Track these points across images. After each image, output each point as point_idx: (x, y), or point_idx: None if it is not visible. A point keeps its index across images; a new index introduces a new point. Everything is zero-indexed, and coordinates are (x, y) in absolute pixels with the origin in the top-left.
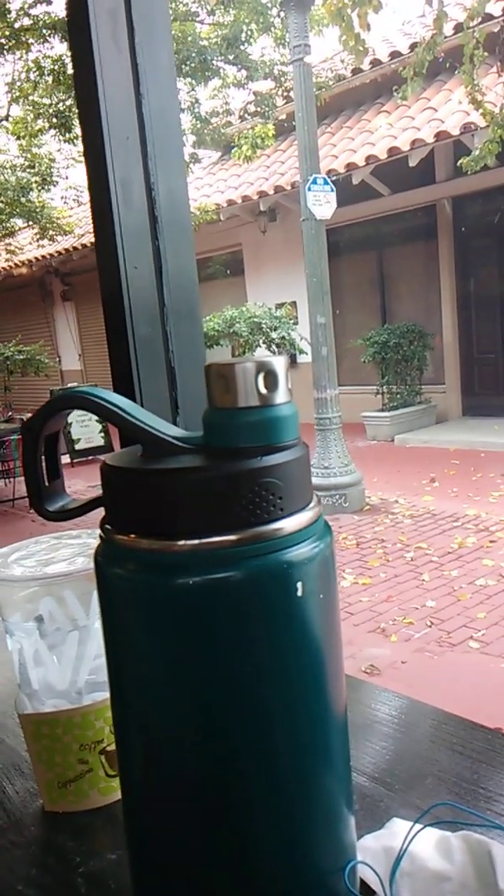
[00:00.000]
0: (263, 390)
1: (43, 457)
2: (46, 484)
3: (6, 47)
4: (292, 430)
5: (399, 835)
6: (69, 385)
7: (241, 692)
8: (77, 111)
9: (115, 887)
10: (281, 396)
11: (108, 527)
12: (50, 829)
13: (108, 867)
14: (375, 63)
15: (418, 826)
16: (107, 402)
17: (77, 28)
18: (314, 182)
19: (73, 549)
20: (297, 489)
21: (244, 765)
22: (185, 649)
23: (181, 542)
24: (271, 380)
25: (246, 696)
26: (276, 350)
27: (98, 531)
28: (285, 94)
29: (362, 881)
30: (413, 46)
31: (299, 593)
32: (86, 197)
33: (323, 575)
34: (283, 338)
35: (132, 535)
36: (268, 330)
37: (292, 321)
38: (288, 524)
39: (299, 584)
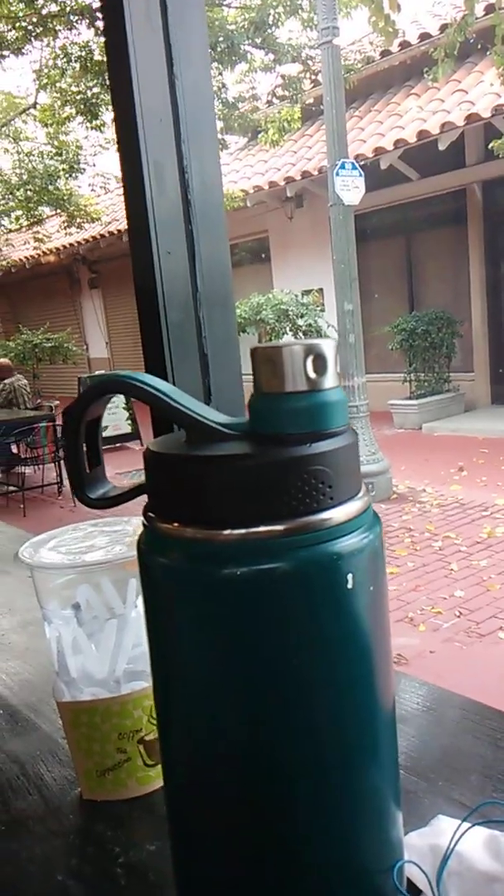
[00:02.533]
0: (312, 374)
1: (84, 444)
2: (88, 471)
3: (34, 34)
4: (341, 415)
5: (445, 833)
6: (97, 372)
7: (288, 685)
8: (110, 94)
9: (155, 879)
10: (330, 381)
11: (151, 514)
12: (88, 817)
13: (148, 858)
14: (405, 45)
15: (466, 824)
16: (151, 388)
17: (110, 9)
18: (342, 167)
19: (110, 536)
20: (347, 477)
21: (290, 759)
22: (231, 641)
23: (227, 532)
24: (320, 363)
25: (292, 689)
26: (302, 337)
27: (136, 519)
28: (313, 77)
29: (409, 880)
30: (443, 28)
31: (349, 585)
32: (113, 184)
33: (373, 567)
34: (309, 325)
35: (176, 524)
36: (294, 317)
37: (319, 308)
38: (337, 514)
39: (349, 576)
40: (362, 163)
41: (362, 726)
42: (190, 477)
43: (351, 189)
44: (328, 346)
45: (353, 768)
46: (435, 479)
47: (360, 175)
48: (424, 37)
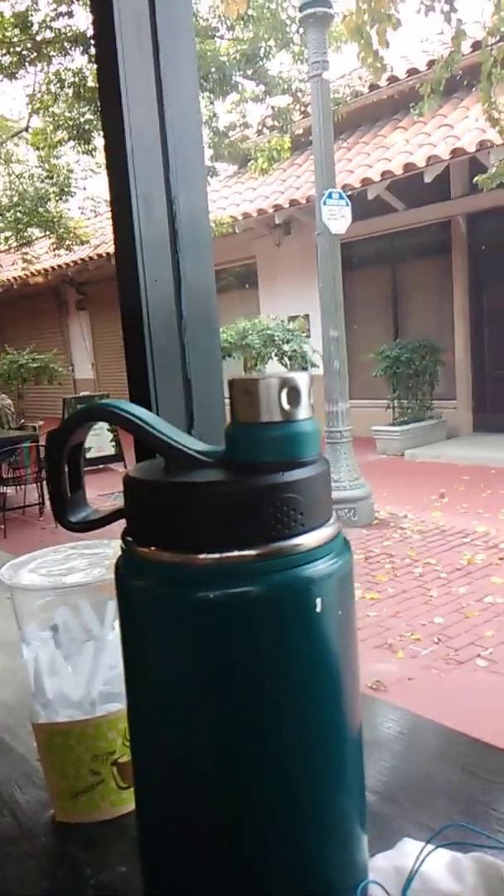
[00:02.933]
0: (286, 406)
1: (66, 468)
2: (69, 495)
3: (28, 59)
4: (314, 445)
5: (410, 855)
6: (82, 394)
7: (259, 707)
8: (101, 124)
9: None
10: (303, 412)
11: (129, 538)
12: (61, 839)
13: (119, 879)
14: (393, 80)
15: (430, 847)
16: (132, 416)
17: (103, 42)
18: (329, 196)
19: (90, 559)
20: (318, 505)
21: (260, 780)
22: (204, 662)
23: (202, 556)
24: (294, 395)
25: (263, 710)
26: (287, 363)
27: (115, 542)
28: (303, 109)
29: None
30: (431, 63)
31: (318, 609)
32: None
33: (342, 591)
34: (295, 351)
35: (153, 548)
36: (280, 342)
37: (305, 334)
38: (308, 540)
39: (318, 600)
40: (349, 193)
41: (330, 747)
42: (168, 503)
43: (338, 218)
44: (302, 380)
45: (320, 789)
46: (416, 506)
47: (347, 205)
48: (412, 72)
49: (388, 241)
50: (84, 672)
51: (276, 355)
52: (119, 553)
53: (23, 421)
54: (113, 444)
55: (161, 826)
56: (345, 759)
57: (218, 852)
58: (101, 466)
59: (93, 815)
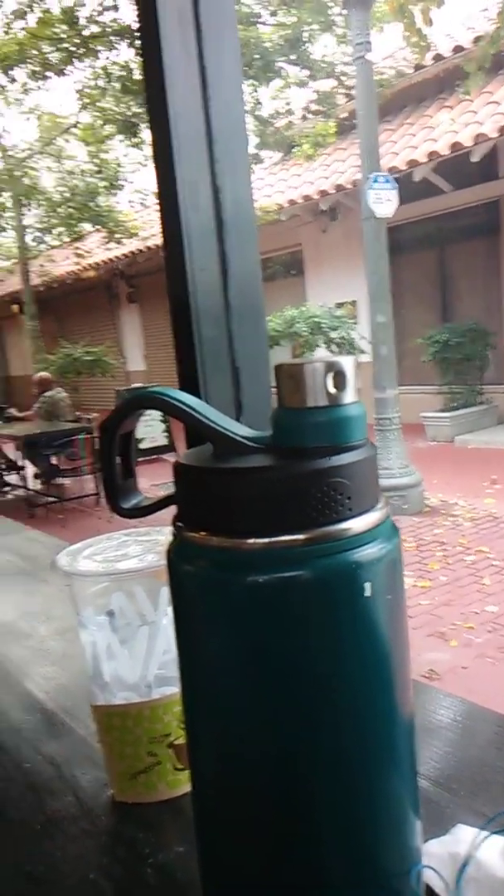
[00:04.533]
0: (332, 390)
1: (118, 456)
2: (121, 482)
3: (76, 55)
4: (360, 430)
5: (464, 841)
6: (134, 385)
7: (310, 690)
8: (147, 116)
9: (184, 880)
10: (349, 396)
11: (179, 524)
12: (120, 819)
13: (177, 860)
14: (438, 58)
15: (484, 833)
16: (180, 402)
17: (147, 34)
18: (375, 180)
19: (143, 546)
20: (365, 489)
21: (312, 764)
22: (254, 646)
23: (251, 541)
24: (340, 379)
25: (314, 694)
26: (335, 350)
27: (166, 529)
28: (347, 92)
29: (428, 886)
30: (476, 40)
31: (367, 593)
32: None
33: (390, 576)
34: (342, 337)
35: (203, 533)
36: (327, 330)
37: (352, 321)
38: (356, 524)
39: (367, 585)
40: (395, 175)
41: (381, 732)
42: (216, 488)
43: (384, 202)
44: (348, 364)
45: (374, 775)
46: (468, 493)
47: (393, 188)
48: (457, 50)
49: (434, 223)
50: (139, 656)
51: (323, 343)
52: (170, 539)
53: (78, 413)
54: (165, 434)
55: (216, 809)
56: (396, 743)
57: (272, 836)
58: (153, 457)
59: (150, 795)
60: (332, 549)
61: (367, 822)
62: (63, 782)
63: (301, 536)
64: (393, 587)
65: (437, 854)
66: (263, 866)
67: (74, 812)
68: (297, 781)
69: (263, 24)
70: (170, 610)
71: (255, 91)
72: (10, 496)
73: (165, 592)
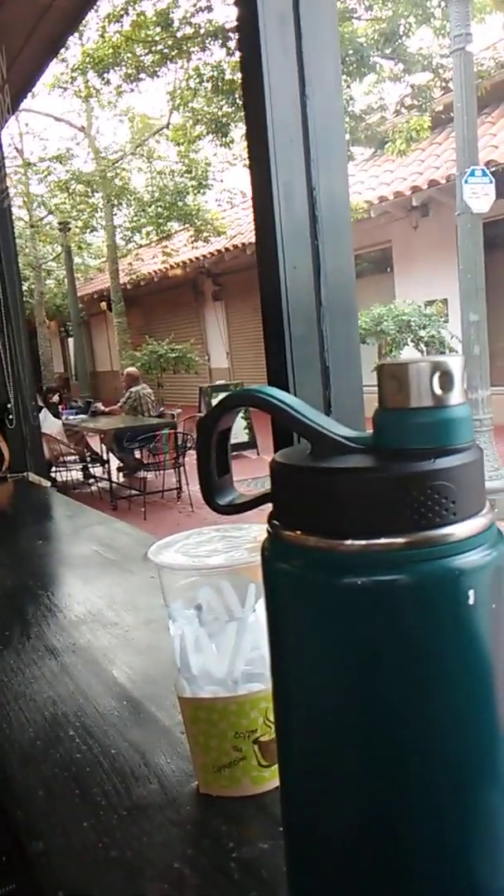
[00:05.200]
0: (438, 391)
1: (214, 453)
2: (217, 479)
3: (169, 57)
4: (466, 432)
5: None
6: (217, 382)
7: (405, 699)
8: (244, 115)
9: (268, 876)
10: (456, 397)
11: (275, 522)
12: (204, 811)
13: (261, 856)
14: None
15: None
16: (279, 402)
17: (247, 34)
18: (472, 174)
19: (231, 542)
20: (471, 493)
21: (405, 774)
22: (348, 649)
23: (348, 542)
24: (447, 380)
25: (409, 703)
26: (424, 349)
27: (256, 526)
28: (443, 85)
29: None
30: None
31: (470, 602)
32: (238, 199)
33: (496, 584)
34: (432, 336)
35: (299, 532)
36: (416, 328)
37: (443, 319)
38: (460, 530)
39: (471, 592)
40: (493, 169)
41: (479, 746)
42: (314, 488)
43: (480, 196)
44: (455, 364)
45: (469, 788)
46: None
47: (491, 181)
48: None
49: None
50: (227, 651)
51: (412, 341)
52: (261, 537)
53: (162, 409)
54: (246, 431)
55: (304, 810)
56: (495, 755)
57: (361, 842)
58: (234, 453)
59: (234, 789)
60: (434, 554)
61: (461, 837)
62: (148, 770)
63: (401, 540)
64: (498, 596)
65: None
66: (351, 873)
67: (159, 800)
68: (389, 790)
69: (358, 19)
70: (258, 607)
71: (348, 87)
72: (93, 488)
73: (253, 589)
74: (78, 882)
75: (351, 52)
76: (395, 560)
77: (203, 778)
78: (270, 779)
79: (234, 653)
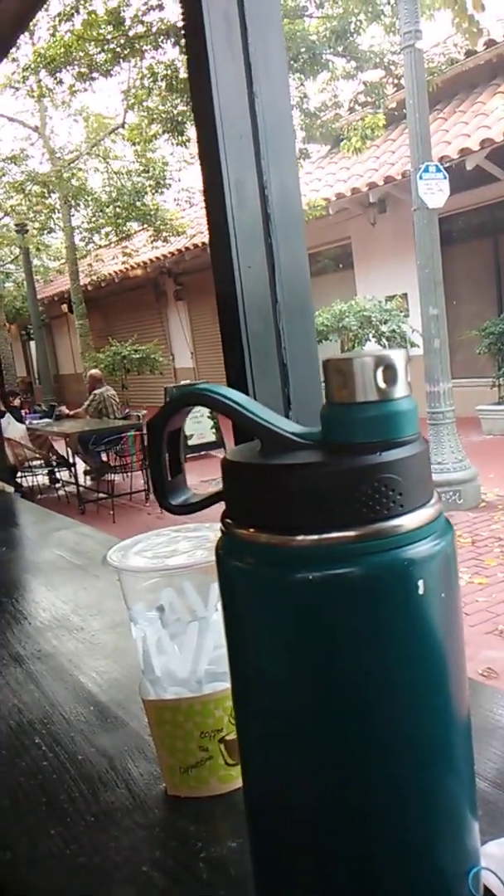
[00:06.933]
0: (382, 385)
1: (167, 453)
2: (170, 479)
3: (122, 55)
4: (411, 424)
5: None
6: (182, 382)
7: (361, 690)
8: (192, 113)
9: (236, 875)
10: (400, 391)
11: (228, 521)
12: (172, 812)
13: (229, 854)
14: (490, 44)
15: None
16: (227, 399)
17: (192, 32)
18: (426, 170)
19: (192, 542)
20: (418, 485)
21: (364, 764)
22: (304, 644)
23: (300, 538)
24: (390, 374)
25: (365, 693)
26: (386, 344)
27: (215, 525)
28: (396, 81)
29: (485, 888)
30: None
31: (420, 591)
32: (197, 198)
33: (445, 573)
34: (393, 331)
35: (252, 529)
36: (377, 323)
37: (403, 314)
38: (408, 521)
39: (420, 582)
40: (447, 164)
41: (436, 732)
42: (264, 484)
43: (435, 192)
44: (398, 357)
45: (428, 774)
46: None
47: (445, 177)
48: None
49: (489, 212)
50: (190, 651)
51: (373, 336)
52: (219, 536)
53: (127, 411)
54: (213, 430)
55: (267, 805)
56: (452, 741)
57: (324, 834)
58: (202, 453)
59: (202, 789)
60: (384, 546)
61: (421, 822)
62: (116, 775)
63: (351, 533)
64: (447, 584)
65: (495, 855)
66: (315, 864)
67: (127, 804)
68: (349, 780)
69: (310, 17)
70: (220, 606)
71: (302, 85)
72: (61, 492)
73: (215, 588)
74: (46, 890)
75: (303, 49)
76: (347, 553)
77: (170, 779)
78: (238, 777)
79: (196, 652)
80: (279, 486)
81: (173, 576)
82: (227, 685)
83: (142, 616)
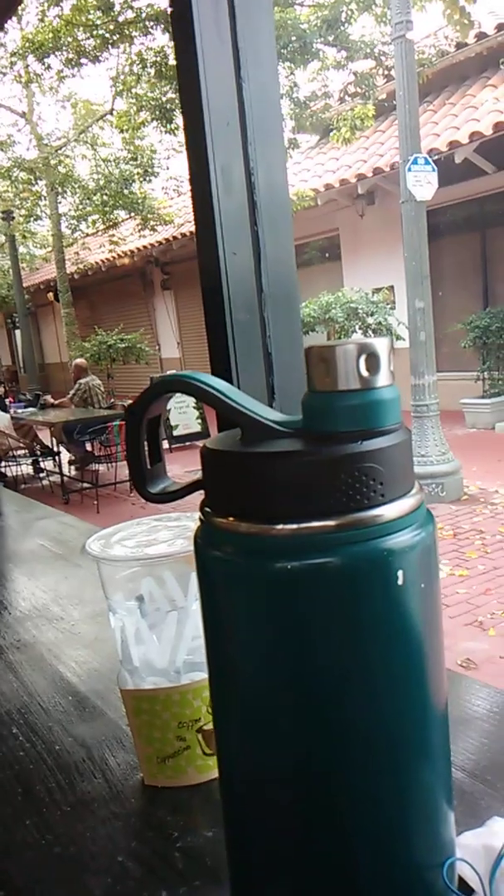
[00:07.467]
0: (365, 373)
1: (146, 441)
2: (149, 467)
3: (111, 41)
4: (394, 414)
5: (500, 834)
6: (168, 372)
7: (338, 679)
8: (179, 99)
9: (212, 864)
10: (383, 379)
11: (207, 510)
12: (149, 802)
13: (205, 844)
14: (481, 36)
15: None
16: (207, 386)
17: (180, 16)
18: (415, 162)
19: (173, 531)
20: (399, 475)
21: (341, 753)
22: (282, 633)
23: (280, 527)
24: (373, 362)
25: (342, 683)
26: (372, 336)
27: (196, 514)
28: (386, 72)
29: (461, 878)
30: None
31: (399, 582)
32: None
33: (424, 564)
34: (379, 323)
35: (231, 518)
36: (364, 315)
37: (389, 306)
38: (388, 511)
39: (400, 573)
40: (436, 157)
41: (413, 722)
42: (244, 473)
43: (423, 185)
44: (381, 345)
45: (404, 765)
46: None
47: (433, 170)
48: (501, 27)
49: (477, 205)
50: (168, 641)
51: (360, 328)
52: (198, 525)
53: (112, 400)
54: (199, 421)
55: (243, 795)
56: (428, 732)
57: (299, 823)
58: (187, 444)
59: (179, 779)
60: (364, 535)
61: (397, 812)
62: (93, 765)
63: (331, 523)
64: (427, 575)
65: (471, 846)
66: (290, 853)
67: (104, 794)
68: (325, 769)
69: (301, 5)
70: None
71: (292, 74)
72: (45, 482)
73: (195, 578)
74: (20, 880)
75: (294, 38)
76: (326, 543)
77: (148, 769)
78: (215, 767)
79: (175, 642)
80: (258, 475)
81: (153, 565)
82: (206, 675)
83: (120, 606)
